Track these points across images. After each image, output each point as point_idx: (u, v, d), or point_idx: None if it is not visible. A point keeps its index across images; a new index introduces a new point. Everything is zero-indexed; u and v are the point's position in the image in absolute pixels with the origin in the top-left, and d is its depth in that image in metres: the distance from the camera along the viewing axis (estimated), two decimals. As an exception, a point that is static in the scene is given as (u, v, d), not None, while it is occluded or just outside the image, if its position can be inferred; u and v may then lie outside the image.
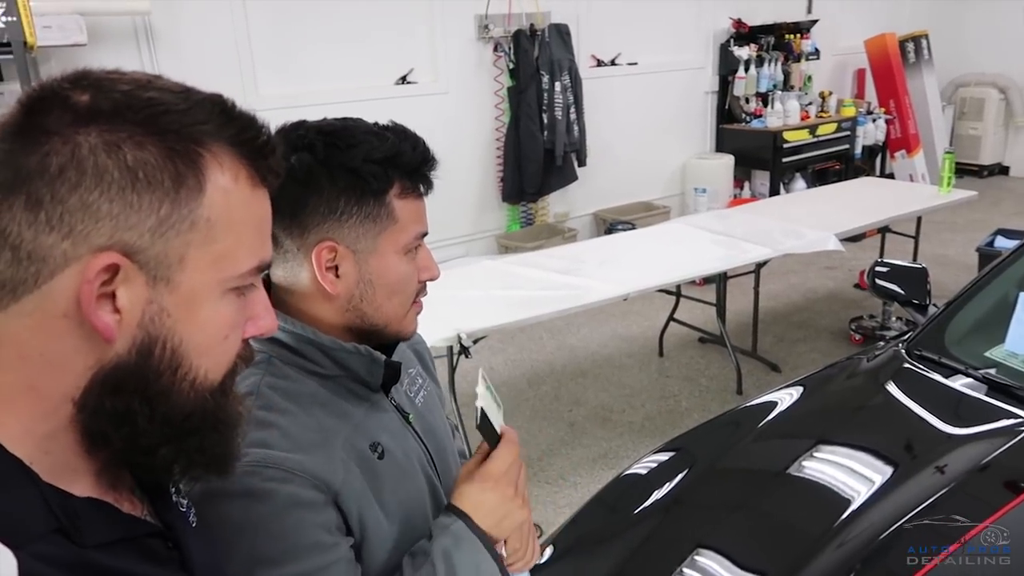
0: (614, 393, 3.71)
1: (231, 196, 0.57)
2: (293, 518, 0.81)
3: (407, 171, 0.89)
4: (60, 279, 0.52)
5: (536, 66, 4.86)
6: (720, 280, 3.77)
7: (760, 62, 5.98)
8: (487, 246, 5.14)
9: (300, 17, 4.21)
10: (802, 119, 6.04)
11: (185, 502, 0.69)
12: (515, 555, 0.99)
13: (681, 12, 5.74)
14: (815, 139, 6.01)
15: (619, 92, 5.50)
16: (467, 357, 2.68)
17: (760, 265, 3.71)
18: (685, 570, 1.50)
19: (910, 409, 1.88)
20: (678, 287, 3.83)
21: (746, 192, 6.03)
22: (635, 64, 5.55)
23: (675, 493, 1.75)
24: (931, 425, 1.81)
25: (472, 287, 3.07)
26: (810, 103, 6.23)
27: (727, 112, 6.10)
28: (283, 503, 0.80)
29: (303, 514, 0.81)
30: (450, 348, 2.80)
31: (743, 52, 5.88)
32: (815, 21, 6.37)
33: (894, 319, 4.12)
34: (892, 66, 6.46)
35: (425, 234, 0.94)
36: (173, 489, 0.68)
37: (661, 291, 3.59)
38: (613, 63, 5.46)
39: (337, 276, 0.89)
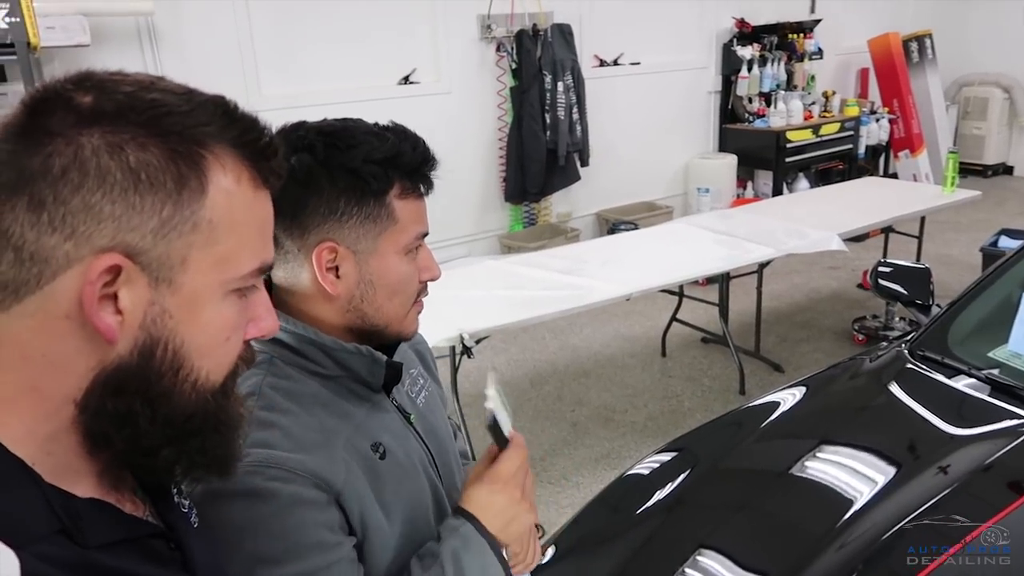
0: (617, 393, 3.71)
1: (233, 198, 0.58)
2: (295, 517, 0.81)
3: (407, 171, 0.89)
4: (62, 280, 0.52)
5: (539, 66, 4.86)
6: (723, 280, 3.77)
7: (763, 62, 5.97)
8: (490, 246, 5.14)
9: (303, 17, 4.22)
10: (805, 119, 6.04)
11: (187, 503, 0.69)
12: (516, 558, 0.99)
13: (684, 12, 5.74)
14: (818, 139, 6.01)
15: (622, 92, 5.50)
16: (469, 357, 2.68)
17: (763, 265, 3.71)
18: (687, 570, 1.49)
19: (913, 410, 1.88)
20: (681, 287, 3.83)
21: (749, 192, 6.03)
22: (638, 64, 5.55)
23: (677, 493, 1.75)
24: (934, 426, 1.81)
25: (475, 287, 3.07)
26: (813, 103, 6.22)
27: (730, 112, 6.09)
28: (286, 502, 0.81)
29: (306, 513, 0.82)
30: (452, 348, 2.80)
31: (746, 52, 5.87)
32: (818, 21, 6.37)
33: (897, 319, 4.11)
34: (896, 65, 6.45)
35: (426, 234, 0.94)
36: (175, 490, 0.68)
37: (664, 291, 3.59)
38: (616, 63, 5.45)
39: (338, 277, 0.89)
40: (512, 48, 4.87)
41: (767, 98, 6.04)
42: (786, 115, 5.91)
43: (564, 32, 4.97)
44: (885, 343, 2.30)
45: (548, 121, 4.91)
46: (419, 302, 0.96)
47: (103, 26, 3.61)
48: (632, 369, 3.96)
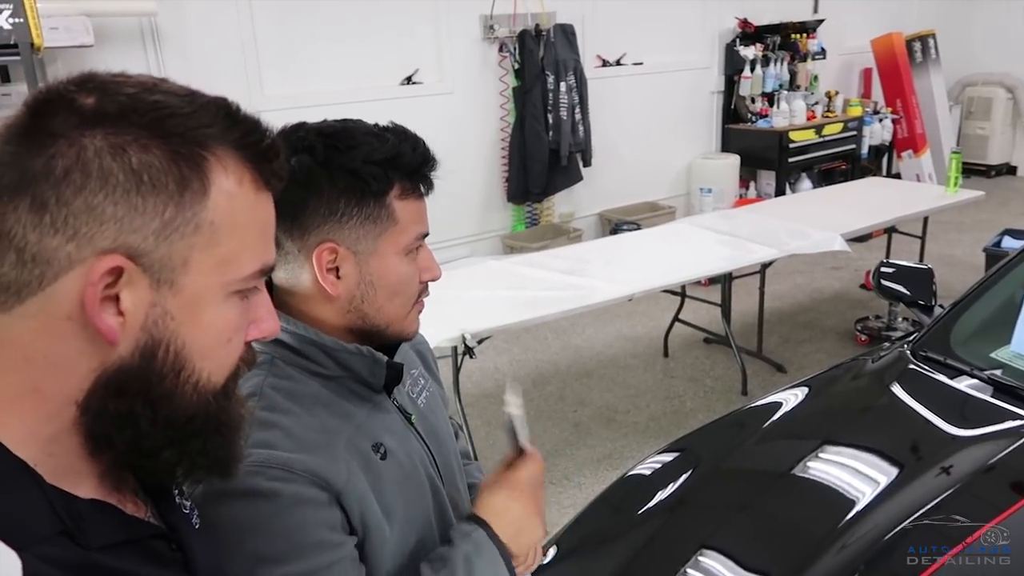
0: (619, 393, 3.71)
1: (235, 200, 0.58)
2: (297, 516, 0.81)
3: (407, 172, 0.90)
4: (64, 281, 0.52)
5: (541, 66, 4.86)
6: (725, 280, 3.77)
7: (766, 62, 5.97)
8: (492, 246, 5.14)
9: (306, 18, 4.22)
10: (808, 119, 6.03)
11: (188, 504, 0.69)
12: (516, 560, 1.00)
13: (687, 12, 5.74)
14: (821, 139, 6.00)
15: (624, 92, 5.50)
16: (471, 357, 2.69)
17: (766, 265, 3.71)
18: (689, 571, 1.50)
19: (915, 410, 1.87)
20: (683, 287, 3.83)
21: (752, 192, 6.02)
22: (640, 64, 5.55)
23: (679, 494, 1.75)
24: (936, 426, 1.81)
25: (477, 287, 3.07)
26: (816, 103, 6.22)
27: (733, 112, 6.09)
28: (288, 502, 0.81)
29: (308, 512, 0.82)
30: (454, 348, 2.80)
31: (749, 52, 5.86)
32: (821, 21, 6.36)
33: (900, 320, 4.10)
34: (899, 65, 6.44)
35: (426, 235, 0.94)
36: (176, 491, 0.68)
37: (666, 291, 3.59)
38: (618, 63, 5.45)
39: (338, 277, 0.89)
40: (515, 48, 4.87)
41: (770, 98, 6.03)
42: (789, 115, 5.90)
43: (567, 32, 4.97)
44: (888, 344, 2.30)
45: (551, 121, 4.91)
46: (420, 302, 0.96)
47: (106, 27, 3.61)
48: (634, 369, 3.96)
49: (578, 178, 5.18)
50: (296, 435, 0.84)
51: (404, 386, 1.02)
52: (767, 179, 6.00)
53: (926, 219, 4.41)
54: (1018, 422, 1.71)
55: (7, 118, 0.55)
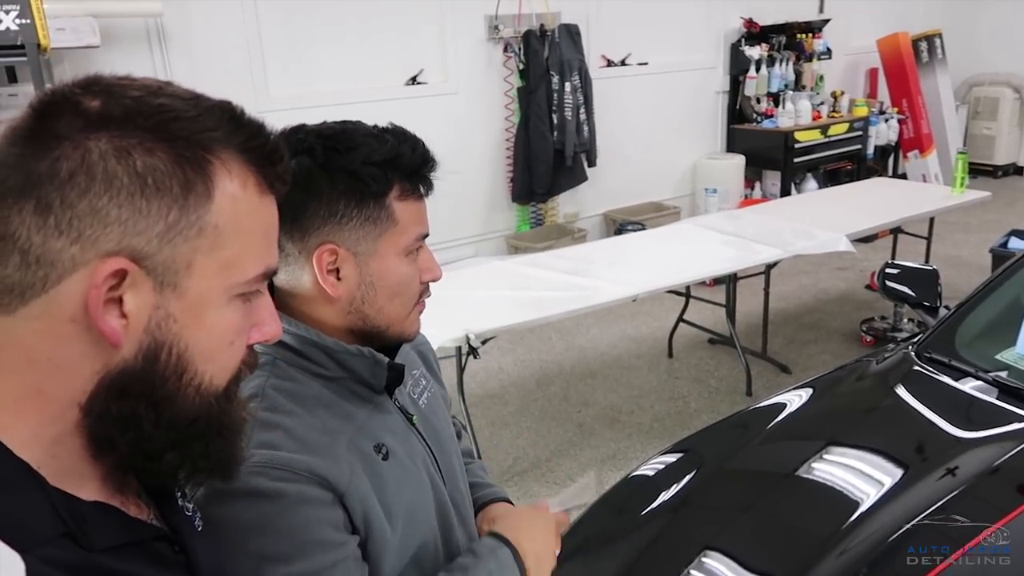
0: (623, 394, 3.71)
1: (239, 203, 0.58)
2: (301, 516, 0.81)
3: (407, 173, 0.90)
4: (68, 283, 0.52)
5: (546, 66, 4.85)
6: (730, 281, 3.76)
7: (771, 62, 5.95)
8: (497, 246, 5.14)
9: (311, 18, 4.23)
10: (814, 119, 6.01)
11: (190, 506, 0.69)
12: None
13: (691, 12, 5.73)
14: (827, 139, 5.98)
15: (629, 92, 5.49)
16: (475, 358, 2.69)
17: (771, 266, 3.70)
18: (692, 572, 1.49)
19: (920, 412, 1.87)
20: (688, 288, 3.82)
21: (757, 192, 6.01)
22: (645, 64, 5.54)
23: (683, 494, 1.75)
24: (941, 428, 1.81)
25: (481, 287, 3.07)
26: (822, 103, 6.20)
27: (738, 112, 6.07)
28: (291, 501, 0.81)
29: (311, 512, 0.82)
30: (459, 349, 2.80)
31: (754, 52, 5.85)
32: (827, 20, 6.34)
33: (906, 320, 4.09)
34: (905, 65, 6.42)
35: (426, 235, 0.94)
36: (178, 493, 0.68)
37: (671, 292, 3.58)
38: (623, 63, 5.45)
39: (338, 279, 0.89)
40: (519, 48, 4.87)
41: (775, 98, 6.01)
42: (794, 115, 5.89)
43: (571, 32, 4.96)
44: (892, 345, 2.29)
45: (555, 121, 4.91)
46: (421, 303, 0.97)
47: (112, 27, 3.63)
48: (638, 370, 3.95)
49: (583, 178, 5.18)
50: (298, 436, 0.85)
51: (405, 387, 1.02)
52: (772, 179, 5.98)
53: (932, 220, 4.39)
54: (1023, 424, 1.71)
55: (12, 120, 0.55)
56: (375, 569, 0.88)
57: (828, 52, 6.29)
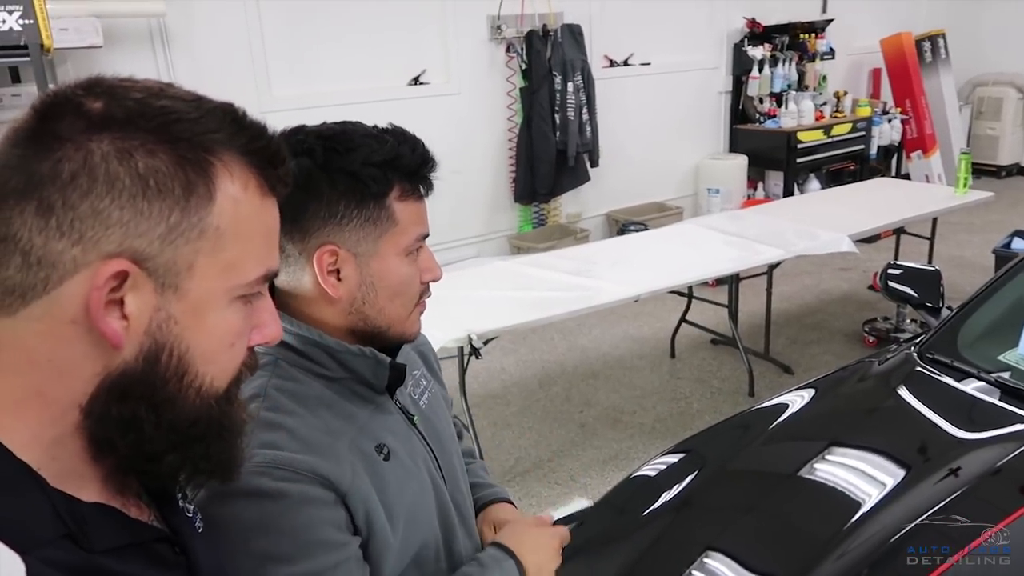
0: (625, 394, 3.71)
1: (240, 205, 0.58)
2: (304, 516, 0.82)
3: (407, 173, 0.90)
4: (69, 285, 0.52)
5: (548, 66, 4.85)
6: (732, 281, 3.76)
7: (774, 62, 5.95)
8: (499, 247, 5.14)
9: (313, 18, 4.23)
10: (817, 119, 6.01)
11: (191, 507, 0.69)
12: None
13: (694, 12, 5.72)
14: (830, 139, 5.98)
15: (632, 92, 5.49)
16: (477, 358, 2.69)
17: (773, 266, 3.70)
18: (694, 572, 1.49)
19: (921, 413, 1.87)
20: (690, 288, 3.82)
21: (760, 193, 6.01)
22: (648, 64, 5.54)
23: (685, 495, 1.75)
24: (943, 429, 1.80)
25: (484, 288, 3.07)
26: (825, 103, 6.19)
27: (741, 112, 6.07)
28: (294, 501, 0.81)
29: (314, 512, 0.82)
30: (461, 349, 2.80)
31: (757, 52, 5.85)
32: (830, 20, 6.34)
33: (908, 321, 4.09)
34: (908, 65, 6.41)
35: (426, 235, 0.94)
36: (179, 494, 0.68)
37: (673, 292, 3.58)
38: (626, 63, 5.45)
39: (339, 279, 0.89)
40: (522, 48, 4.87)
41: (778, 98, 6.01)
42: (797, 115, 5.89)
43: (574, 32, 4.96)
44: (895, 346, 2.29)
45: (558, 122, 4.91)
46: (421, 303, 0.97)
47: (116, 28, 3.63)
48: (641, 370, 3.95)
49: (585, 178, 5.17)
50: (301, 436, 0.85)
51: (406, 387, 1.02)
52: (775, 180, 5.98)
53: (935, 220, 4.38)
54: (1025, 425, 1.71)
55: (14, 121, 0.55)
56: (376, 569, 0.88)
57: (831, 52, 6.29)
